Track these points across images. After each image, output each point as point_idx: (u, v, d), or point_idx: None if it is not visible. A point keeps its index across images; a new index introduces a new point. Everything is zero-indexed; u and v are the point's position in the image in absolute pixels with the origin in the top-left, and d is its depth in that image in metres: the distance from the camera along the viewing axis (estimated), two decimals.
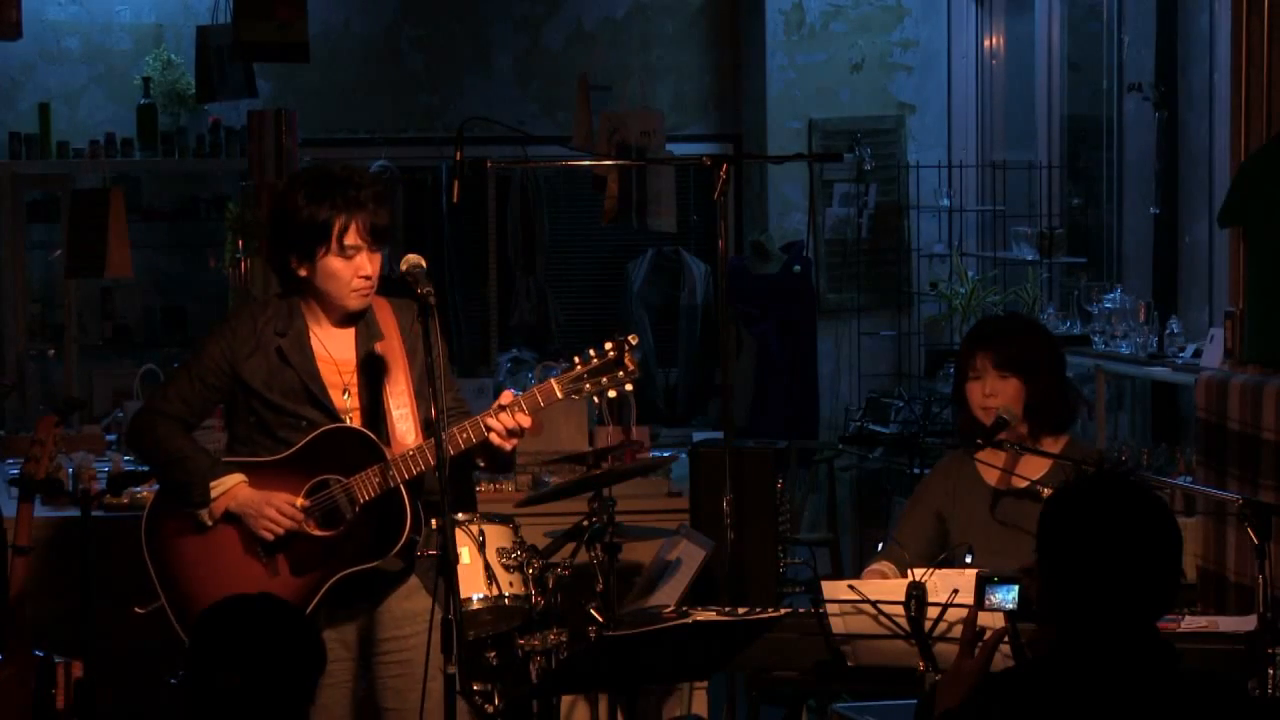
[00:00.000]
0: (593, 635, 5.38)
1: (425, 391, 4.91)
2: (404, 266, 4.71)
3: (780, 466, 6.63)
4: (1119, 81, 8.46)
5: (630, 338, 4.76)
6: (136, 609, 5.01)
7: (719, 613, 4.76)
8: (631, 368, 4.74)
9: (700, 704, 6.43)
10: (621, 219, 8.89)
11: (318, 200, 4.78)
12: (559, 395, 4.74)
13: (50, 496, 6.32)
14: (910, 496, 5.42)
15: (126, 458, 7.30)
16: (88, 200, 7.74)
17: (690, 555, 5.81)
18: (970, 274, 9.41)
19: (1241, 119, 6.35)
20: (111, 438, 7.71)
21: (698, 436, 8.58)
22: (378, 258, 4.85)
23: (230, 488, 4.83)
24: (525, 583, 5.66)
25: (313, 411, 4.83)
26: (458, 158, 5.47)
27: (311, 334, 4.89)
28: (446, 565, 4.43)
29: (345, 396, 4.87)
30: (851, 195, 9.90)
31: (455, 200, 5.60)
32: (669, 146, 9.03)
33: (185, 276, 9.97)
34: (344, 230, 4.77)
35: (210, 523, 4.85)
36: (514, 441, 4.77)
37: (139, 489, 6.53)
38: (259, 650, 3.49)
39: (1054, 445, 5.14)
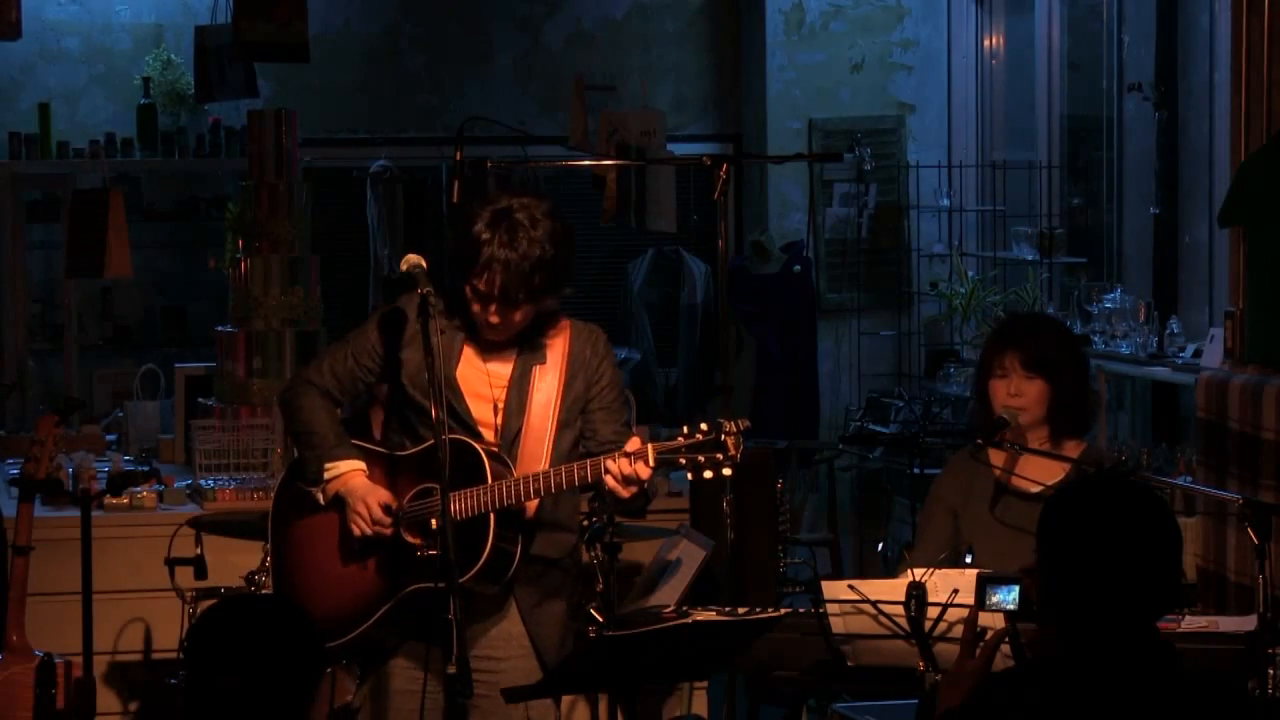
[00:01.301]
0: (593, 635, 5.38)
1: (574, 421, 4.85)
2: (404, 266, 4.69)
3: (780, 466, 6.64)
4: (1119, 81, 8.46)
5: (742, 422, 4.56)
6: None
7: (719, 613, 4.76)
8: (733, 453, 4.52)
9: (700, 704, 6.44)
10: (620, 219, 8.89)
11: (485, 226, 4.67)
12: (650, 464, 4.58)
13: (50, 496, 6.33)
14: (926, 499, 5.37)
15: (126, 457, 7.31)
16: (88, 200, 7.73)
17: (690, 555, 5.81)
18: (970, 274, 9.41)
19: (1241, 119, 6.35)
20: (111, 438, 7.71)
21: None
22: (517, 312, 4.72)
23: (345, 473, 4.79)
24: None
25: (448, 418, 4.70)
26: (458, 158, 5.47)
27: (471, 341, 4.79)
28: (447, 565, 4.42)
29: (495, 411, 4.79)
30: (851, 195, 9.90)
31: (455, 200, 5.58)
32: (669, 146, 9.03)
33: (185, 276, 9.97)
34: (480, 274, 4.67)
35: (323, 502, 4.82)
36: (631, 490, 4.60)
37: (139, 489, 6.55)
38: (259, 650, 3.48)
39: (1074, 450, 5.11)
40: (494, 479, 4.66)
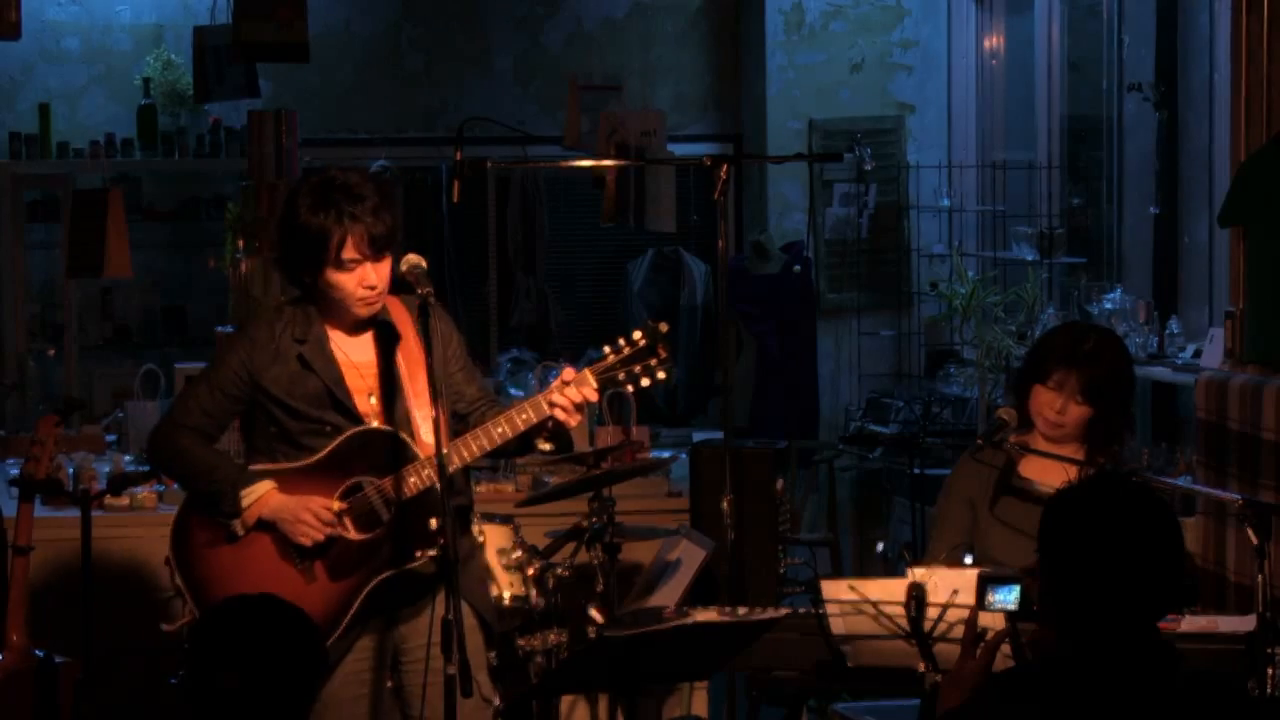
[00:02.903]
0: (593, 635, 5.38)
1: (447, 390, 4.90)
2: (404, 267, 4.71)
3: (780, 466, 6.63)
4: (1119, 81, 8.46)
5: (661, 325, 4.73)
6: (164, 627, 4.97)
7: (719, 613, 4.76)
8: (664, 355, 4.73)
9: (700, 704, 6.43)
10: (620, 219, 8.89)
11: (315, 211, 4.73)
12: (594, 386, 4.71)
13: (50, 496, 6.32)
14: (941, 494, 5.32)
15: (127, 457, 7.30)
16: (88, 200, 7.73)
17: (690, 555, 5.81)
18: (970, 274, 9.40)
19: (1241, 119, 6.35)
20: (111, 438, 7.71)
21: (698, 436, 8.59)
22: (383, 265, 4.78)
23: (261, 495, 4.77)
24: (525, 583, 5.67)
25: (337, 417, 4.78)
26: (458, 158, 5.47)
27: (331, 339, 4.85)
28: (446, 565, 4.42)
29: (371, 400, 4.83)
30: (851, 195, 9.90)
31: (455, 200, 5.60)
32: (669, 146, 9.02)
33: (185, 276, 9.97)
34: (341, 244, 4.72)
35: (242, 532, 4.79)
36: (579, 416, 4.74)
37: (139, 489, 6.55)
38: (259, 650, 3.49)
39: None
40: (422, 455, 4.70)
